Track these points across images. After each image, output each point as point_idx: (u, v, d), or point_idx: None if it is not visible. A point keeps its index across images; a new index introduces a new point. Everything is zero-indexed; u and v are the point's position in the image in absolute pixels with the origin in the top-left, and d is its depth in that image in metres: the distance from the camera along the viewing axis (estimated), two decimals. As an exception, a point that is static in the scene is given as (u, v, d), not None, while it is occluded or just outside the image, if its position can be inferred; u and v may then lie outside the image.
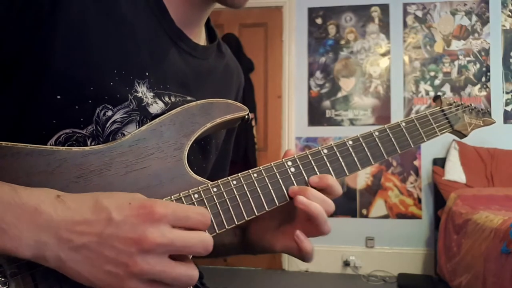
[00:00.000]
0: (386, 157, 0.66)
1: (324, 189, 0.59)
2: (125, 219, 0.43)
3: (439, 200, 3.08)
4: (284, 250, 0.62)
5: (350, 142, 0.65)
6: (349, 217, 3.37)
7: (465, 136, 0.77)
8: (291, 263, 3.44)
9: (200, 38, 0.71)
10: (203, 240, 0.46)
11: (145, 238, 0.43)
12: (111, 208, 0.44)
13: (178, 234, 0.45)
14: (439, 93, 3.30)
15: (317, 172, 0.61)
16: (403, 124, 0.69)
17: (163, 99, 0.61)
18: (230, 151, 0.84)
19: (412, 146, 0.69)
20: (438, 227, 2.89)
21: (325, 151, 0.63)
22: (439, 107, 0.75)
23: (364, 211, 3.37)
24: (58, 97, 0.51)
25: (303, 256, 0.59)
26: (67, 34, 0.52)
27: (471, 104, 0.79)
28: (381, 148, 0.66)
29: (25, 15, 0.50)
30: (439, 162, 3.17)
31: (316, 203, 0.56)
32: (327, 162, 0.62)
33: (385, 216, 3.34)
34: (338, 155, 0.63)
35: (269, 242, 0.63)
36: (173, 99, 0.62)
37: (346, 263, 3.32)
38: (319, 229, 0.58)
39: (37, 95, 0.51)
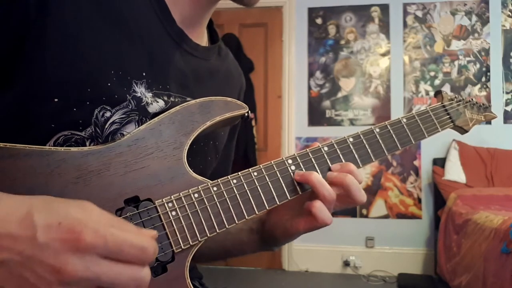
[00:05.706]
0: (386, 154, 0.66)
1: (343, 181, 0.59)
2: (49, 243, 0.39)
3: (439, 200, 3.08)
4: (307, 230, 0.62)
5: (351, 139, 0.64)
6: (349, 217, 3.37)
7: (466, 131, 0.76)
8: (291, 263, 3.44)
9: (202, 39, 0.71)
10: (136, 278, 0.42)
11: (65, 269, 0.38)
12: (38, 226, 0.39)
13: (106, 269, 0.40)
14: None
15: (317, 170, 0.61)
16: (404, 120, 0.69)
17: (163, 98, 0.60)
18: (231, 156, 0.83)
19: (413, 142, 0.68)
20: (438, 227, 2.89)
21: (326, 148, 0.62)
22: (440, 103, 0.74)
23: (364, 211, 3.37)
24: (56, 100, 0.51)
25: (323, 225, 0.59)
26: (59, 37, 0.51)
27: (472, 99, 0.78)
28: (382, 144, 0.65)
29: (11, 20, 0.49)
30: (439, 162, 3.17)
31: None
32: (328, 160, 0.62)
33: (385, 216, 3.34)
34: (339, 152, 0.63)
35: (293, 227, 0.63)
36: (172, 99, 0.61)
37: (346, 263, 3.31)
38: (352, 199, 0.59)
39: (34, 99, 0.51)
